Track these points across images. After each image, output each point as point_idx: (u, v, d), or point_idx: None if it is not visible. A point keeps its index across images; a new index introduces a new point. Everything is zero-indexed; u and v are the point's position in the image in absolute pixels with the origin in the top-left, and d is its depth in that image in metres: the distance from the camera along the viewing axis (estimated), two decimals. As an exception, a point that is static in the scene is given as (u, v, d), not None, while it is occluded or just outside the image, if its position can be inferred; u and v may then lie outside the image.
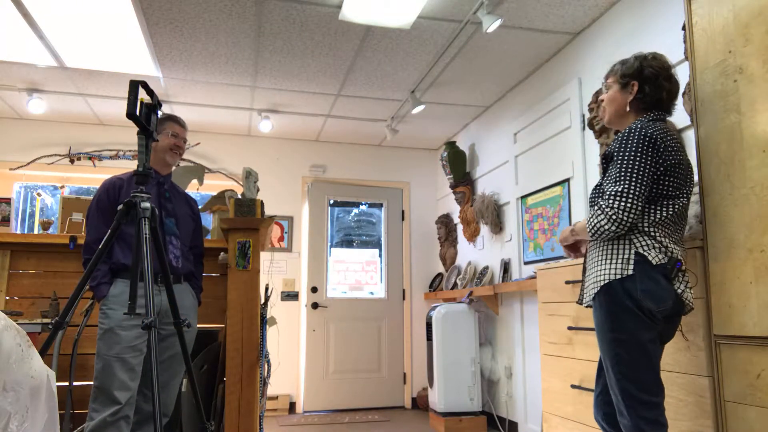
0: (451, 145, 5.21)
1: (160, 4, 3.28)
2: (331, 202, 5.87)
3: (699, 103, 2.14)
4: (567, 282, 2.78)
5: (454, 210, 5.58)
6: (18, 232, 4.78)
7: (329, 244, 5.79)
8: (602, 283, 1.88)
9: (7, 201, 3.59)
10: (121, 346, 2.35)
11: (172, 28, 3.56)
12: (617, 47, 3.25)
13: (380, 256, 5.94)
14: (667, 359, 2.17)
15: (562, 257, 3.67)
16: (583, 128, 3.56)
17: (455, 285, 5.22)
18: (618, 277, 1.85)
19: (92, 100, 4.75)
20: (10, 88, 4.48)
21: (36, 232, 4.94)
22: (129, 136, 5.35)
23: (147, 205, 1.98)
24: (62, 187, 5.37)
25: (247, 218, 2.91)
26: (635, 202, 1.82)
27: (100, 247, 1.97)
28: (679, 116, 2.73)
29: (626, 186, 1.83)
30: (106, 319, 2.38)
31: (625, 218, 1.83)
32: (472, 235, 5.08)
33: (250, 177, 3.05)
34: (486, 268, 4.78)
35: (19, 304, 3.07)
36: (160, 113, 2.17)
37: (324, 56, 3.95)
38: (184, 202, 2.79)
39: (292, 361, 5.46)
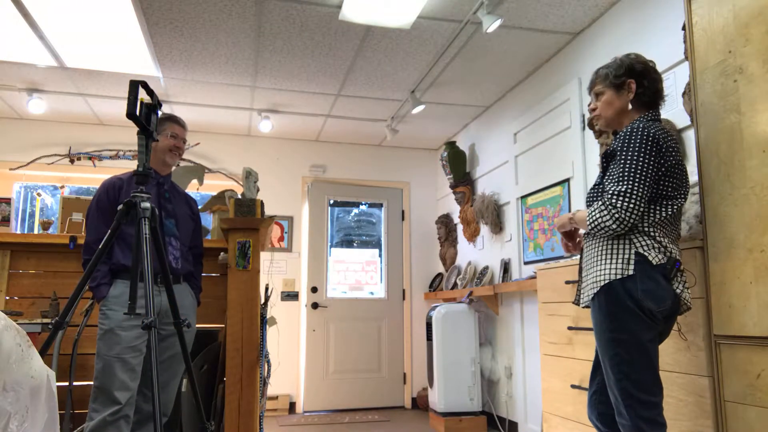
0: (451, 145, 5.21)
1: (160, 4, 3.28)
2: (331, 202, 5.87)
3: (699, 103, 2.14)
4: (567, 282, 2.78)
5: (454, 210, 5.58)
6: (18, 232, 4.78)
7: (329, 244, 5.79)
8: (602, 283, 1.88)
9: (7, 201, 3.59)
10: (122, 346, 2.35)
11: (172, 28, 3.56)
12: (617, 47, 3.25)
13: (380, 256, 5.94)
14: (667, 359, 2.17)
15: (562, 257, 3.67)
16: (583, 128, 3.56)
17: (455, 285, 5.22)
18: (618, 277, 1.85)
19: (92, 100, 4.75)
20: (10, 88, 4.48)
21: (36, 232, 4.94)
22: (129, 136, 5.36)
23: (147, 205, 1.98)
24: (62, 187, 5.37)
25: (247, 218, 2.91)
26: (638, 202, 1.82)
27: (99, 247, 1.97)
28: (679, 116, 2.73)
29: (630, 186, 1.83)
30: (106, 319, 2.39)
31: (627, 218, 1.83)
32: (472, 235, 5.08)
33: (250, 177, 3.05)
34: (486, 268, 4.78)
35: (19, 304, 3.07)
36: (160, 113, 2.17)
37: (324, 56, 3.95)
38: (184, 202, 2.79)
39: (292, 361, 5.46)
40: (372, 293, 5.84)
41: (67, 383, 2.71)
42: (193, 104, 4.87)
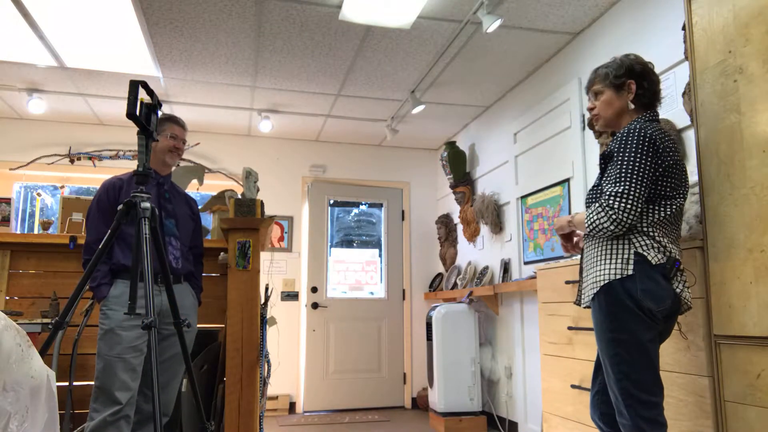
0: (451, 145, 5.21)
1: (160, 4, 3.28)
2: (331, 202, 5.87)
3: (699, 103, 2.14)
4: (567, 282, 2.78)
5: (454, 210, 5.58)
6: (18, 232, 4.78)
7: (329, 244, 5.79)
8: (602, 283, 1.88)
9: (7, 201, 3.59)
10: (122, 346, 2.35)
11: (172, 28, 3.56)
12: (617, 47, 3.25)
13: (380, 256, 5.94)
14: (667, 359, 2.17)
15: (561, 257, 3.67)
16: (583, 128, 3.56)
17: (455, 285, 5.22)
18: (618, 277, 1.85)
19: (92, 100, 4.75)
20: (10, 88, 4.48)
21: (36, 232, 4.94)
22: (129, 136, 5.36)
23: (147, 205, 1.98)
24: (62, 187, 5.37)
25: (247, 218, 2.91)
26: (635, 203, 1.82)
27: (99, 247, 1.97)
28: (679, 116, 2.73)
29: (627, 187, 1.83)
30: (107, 319, 2.39)
31: (625, 219, 1.83)
32: (472, 235, 5.08)
33: (250, 177, 3.05)
34: (486, 268, 4.78)
35: (19, 304, 3.07)
36: (160, 113, 2.17)
37: (324, 56, 3.95)
38: (184, 202, 2.79)
39: (292, 361, 5.46)
40: (372, 293, 5.84)
41: (67, 383, 2.71)
42: (193, 104, 4.87)
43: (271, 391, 5.33)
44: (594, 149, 3.45)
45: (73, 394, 2.88)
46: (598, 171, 3.36)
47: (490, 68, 4.14)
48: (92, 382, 2.35)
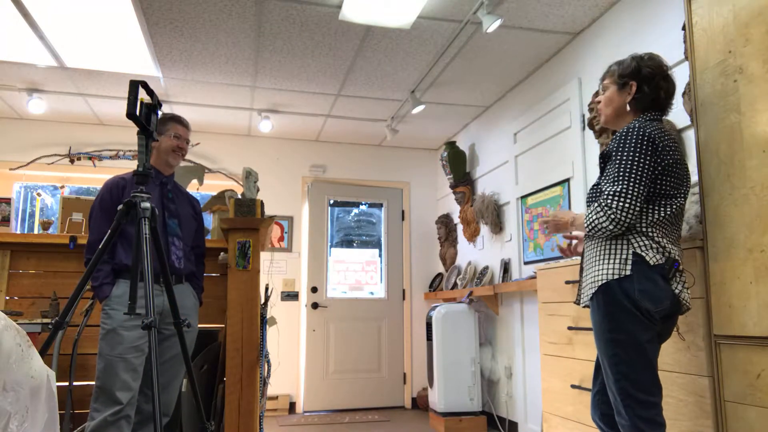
0: (451, 145, 5.21)
1: (160, 4, 3.28)
2: (331, 202, 5.87)
3: (699, 103, 2.14)
4: (567, 282, 2.78)
5: (454, 210, 5.58)
6: (18, 232, 4.78)
7: (329, 244, 5.79)
8: (600, 284, 1.88)
9: (7, 201, 3.59)
10: (124, 346, 2.35)
11: (172, 28, 3.56)
12: (617, 47, 3.25)
13: (380, 256, 5.94)
14: (667, 359, 2.17)
15: (561, 257, 3.67)
16: (583, 128, 3.56)
17: (455, 285, 5.22)
18: (616, 277, 1.85)
19: (92, 100, 4.75)
20: (10, 88, 4.48)
21: (36, 232, 4.94)
22: (129, 136, 5.36)
23: (147, 205, 1.98)
24: (62, 187, 5.37)
25: (247, 218, 2.91)
26: (634, 202, 1.82)
27: (100, 247, 1.97)
28: (679, 116, 2.73)
29: (625, 186, 1.83)
30: (109, 319, 2.38)
31: (623, 218, 1.83)
32: (472, 235, 5.08)
33: (250, 177, 3.05)
34: (486, 268, 4.78)
35: (19, 304, 3.07)
36: (160, 113, 2.17)
37: (324, 56, 3.95)
38: (187, 202, 2.79)
39: (292, 361, 5.46)
40: (372, 293, 5.84)
41: (67, 383, 2.71)
42: (193, 104, 4.87)
43: (271, 391, 5.33)
44: (594, 149, 3.45)
45: (73, 394, 2.88)
46: (598, 171, 3.36)
47: (490, 68, 4.14)
48: (92, 382, 2.35)
